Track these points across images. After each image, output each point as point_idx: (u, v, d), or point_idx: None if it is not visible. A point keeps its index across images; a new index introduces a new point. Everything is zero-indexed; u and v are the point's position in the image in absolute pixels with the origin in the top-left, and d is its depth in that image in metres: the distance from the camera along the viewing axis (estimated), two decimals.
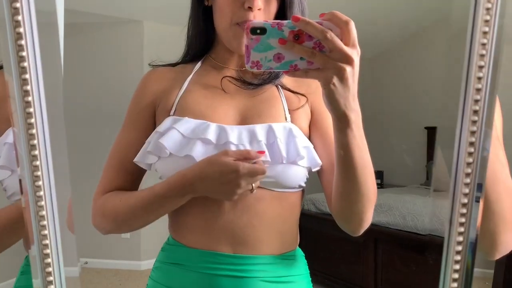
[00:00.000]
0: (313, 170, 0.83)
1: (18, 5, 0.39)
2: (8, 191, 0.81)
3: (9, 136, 0.77)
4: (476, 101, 0.53)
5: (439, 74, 4.38)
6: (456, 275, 0.56)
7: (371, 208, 0.76)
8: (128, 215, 0.80)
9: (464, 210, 0.53)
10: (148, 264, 3.92)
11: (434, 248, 2.66)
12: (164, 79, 0.88)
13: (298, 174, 0.79)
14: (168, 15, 3.62)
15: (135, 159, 0.82)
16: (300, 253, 0.88)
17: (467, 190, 0.51)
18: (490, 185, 0.61)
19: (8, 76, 0.41)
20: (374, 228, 2.99)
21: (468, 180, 0.51)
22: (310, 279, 0.89)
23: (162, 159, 0.79)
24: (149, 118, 0.87)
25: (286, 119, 0.83)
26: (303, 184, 0.83)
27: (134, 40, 3.98)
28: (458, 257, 0.55)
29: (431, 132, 4.40)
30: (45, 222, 0.45)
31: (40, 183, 0.44)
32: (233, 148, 0.76)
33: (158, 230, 3.40)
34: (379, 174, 4.69)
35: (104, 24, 3.91)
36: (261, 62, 0.60)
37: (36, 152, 0.43)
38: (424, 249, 2.74)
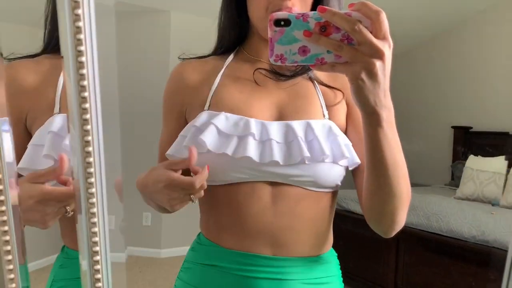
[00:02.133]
0: (350, 168, 0.80)
1: None
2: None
3: (53, 125, 0.74)
4: None
5: (468, 73, 4.28)
6: None
7: (403, 209, 0.72)
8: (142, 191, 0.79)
9: None
10: (168, 252, 3.96)
11: (460, 251, 2.61)
12: (195, 73, 0.86)
13: (337, 173, 0.77)
14: (196, 5, 3.61)
15: (167, 153, 0.80)
16: (333, 253, 0.86)
17: None
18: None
19: (65, 58, 0.40)
20: None
21: None
22: (342, 279, 0.88)
23: (198, 154, 0.76)
24: (180, 115, 0.85)
25: (324, 116, 0.80)
26: (340, 183, 0.80)
27: (161, 30, 3.98)
28: None
29: (458, 131, 4.31)
30: (94, 209, 0.44)
31: (92, 170, 0.44)
32: (275, 145, 0.74)
33: (179, 219, 3.42)
34: None
35: (130, 13, 3.92)
36: (285, 55, 0.57)
37: (89, 138, 0.42)
38: (448, 252, 2.69)
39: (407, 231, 2.94)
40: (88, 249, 0.47)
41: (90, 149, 0.41)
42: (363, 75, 0.56)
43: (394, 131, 0.66)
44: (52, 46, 0.83)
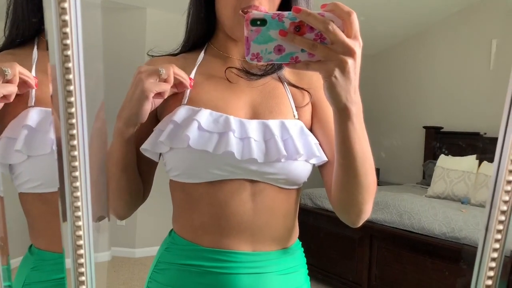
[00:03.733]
0: (317, 165, 0.83)
1: None
2: (20, 178, 0.76)
3: (27, 119, 0.73)
4: None
5: (440, 74, 4.39)
6: (489, 282, 0.56)
7: (370, 199, 0.76)
8: (109, 180, 0.80)
9: (502, 218, 0.52)
10: (142, 252, 3.91)
11: (430, 248, 2.68)
12: None
13: (307, 171, 0.80)
14: (172, 2, 3.57)
15: (142, 147, 0.79)
16: (299, 243, 0.90)
17: (507, 198, 0.50)
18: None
19: (50, 50, 0.39)
20: (370, 225, 3.01)
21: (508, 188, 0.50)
22: (306, 266, 0.91)
23: (175, 150, 0.76)
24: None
25: (294, 116, 0.82)
26: (306, 180, 0.83)
27: (137, 27, 3.93)
28: (493, 264, 0.54)
29: (429, 131, 4.41)
30: (79, 203, 0.44)
31: (76, 164, 0.43)
32: (253, 143, 0.75)
33: (154, 219, 3.39)
34: (376, 172, 4.70)
35: (106, 9, 3.84)
36: (261, 54, 0.59)
37: (74, 131, 0.42)
38: (419, 248, 2.76)
39: (380, 229, 3.00)
40: (73, 249, 0.47)
41: (76, 153, 0.40)
42: (336, 73, 0.58)
43: (362, 125, 0.69)
44: (13, 40, 0.79)
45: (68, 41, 0.38)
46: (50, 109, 0.74)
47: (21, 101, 0.75)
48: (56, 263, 0.74)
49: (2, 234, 0.44)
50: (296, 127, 0.79)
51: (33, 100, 0.76)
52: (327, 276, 3.27)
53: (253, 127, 0.77)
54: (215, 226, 0.77)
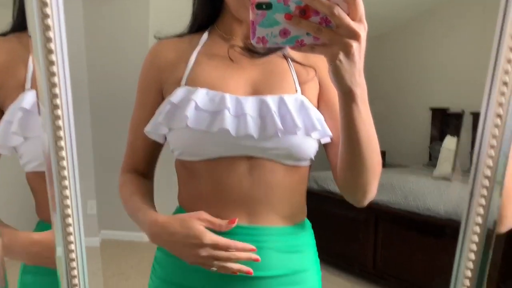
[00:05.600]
0: (323, 142, 0.84)
1: None
2: (23, 158, 0.81)
3: (23, 102, 0.76)
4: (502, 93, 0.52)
5: (446, 54, 4.34)
6: (472, 256, 0.57)
7: (375, 180, 0.78)
8: (126, 210, 0.86)
9: (484, 192, 0.52)
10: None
11: (435, 228, 2.69)
12: (171, 51, 0.87)
13: (310, 146, 0.80)
14: None
15: (146, 129, 0.82)
16: (307, 224, 0.90)
17: (489, 173, 0.51)
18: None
19: (32, 32, 0.40)
20: (375, 207, 3.02)
21: (490, 163, 0.50)
22: (316, 249, 0.91)
23: (175, 131, 0.79)
24: (157, 92, 0.86)
25: (296, 91, 0.83)
26: (313, 157, 0.84)
27: (140, 10, 3.91)
28: (476, 238, 0.55)
29: (436, 112, 4.38)
30: (67, 192, 0.45)
31: (63, 143, 0.44)
32: (249, 119, 0.76)
33: (162, 202, 3.44)
34: (381, 154, 4.69)
35: None
36: (267, 37, 0.59)
37: (59, 112, 0.43)
38: (424, 229, 2.77)
39: (385, 210, 3.01)
40: (63, 236, 0.48)
41: (62, 133, 0.41)
42: (341, 56, 0.59)
43: (367, 108, 0.69)
44: (21, 24, 0.83)
45: (50, 22, 0.39)
46: None
47: (20, 85, 0.79)
48: None
49: None
50: (296, 101, 0.80)
51: (29, 83, 0.79)
52: (333, 258, 3.30)
53: (250, 103, 0.78)
54: (213, 199, 0.80)
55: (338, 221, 3.28)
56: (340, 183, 0.81)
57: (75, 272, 0.47)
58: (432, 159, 4.15)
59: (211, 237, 0.71)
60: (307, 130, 0.78)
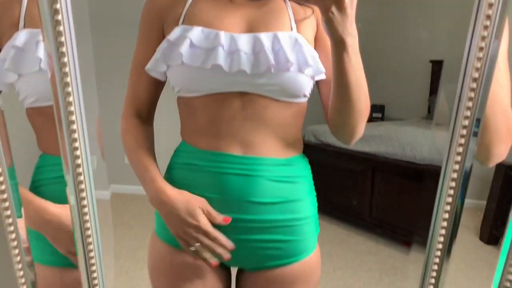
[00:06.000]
0: (316, 78, 0.87)
1: None
2: (20, 95, 0.85)
3: (16, 40, 0.79)
4: (483, 37, 0.54)
5: (447, 7, 4.24)
6: (449, 199, 0.61)
7: (362, 122, 0.84)
8: (128, 158, 0.91)
9: (462, 141, 0.56)
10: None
11: (431, 176, 2.75)
12: None
13: (303, 83, 0.84)
14: None
15: (146, 67, 0.86)
16: (303, 158, 0.95)
17: (466, 123, 0.55)
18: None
19: None
20: (372, 158, 3.08)
21: (468, 114, 0.54)
22: (313, 182, 0.96)
23: (173, 68, 0.83)
24: (158, 31, 0.89)
25: (291, 29, 0.85)
26: (308, 94, 0.87)
27: None
28: (453, 184, 0.60)
29: (436, 65, 4.34)
30: (76, 135, 0.49)
31: (69, 80, 0.47)
32: (243, 56, 0.79)
33: (162, 157, 3.48)
34: (380, 108, 4.70)
35: None
36: None
37: (64, 50, 0.46)
38: (420, 178, 2.83)
39: (382, 161, 3.06)
40: (75, 185, 0.53)
41: (68, 79, 0.44)
42: (333, 9, 0.64)
43: (357, 55, 0.75)
44: None
45: None
46: (37, 30, 0.81)
47: (14, 24, 0.83)
48: (55, 164, 0.82)
49: (5, 142, 0.51)
50: (291, 38, 0.82)
51: (23, 22, 0.82)
52: (331, 208, 3.40)
53: (244, 40, 0.81)
54: (209, 132, 0.85)
55: (336, 172, 3.35)
56: (330, 124, 0.87)
57: (87, 220, 0.52)
58: (431, 112, 4.16)
59: (206, 225, 0.80)
60: (300, 67, 0.81)
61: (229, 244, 0.83)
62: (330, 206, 3.39)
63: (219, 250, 0.82)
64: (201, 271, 0.91)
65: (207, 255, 0.82)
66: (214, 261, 0.83)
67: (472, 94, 0.54)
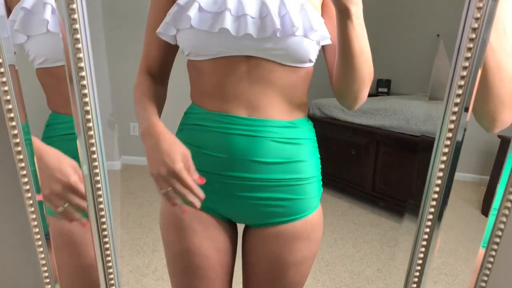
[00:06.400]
0: (321, 44, 0.89)
1: None
2: (29, 56, 0.87)
3: (25, 2, 0.81)
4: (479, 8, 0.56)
5: None
6: (442, 166, 0.64)
7: (365, 89, 0.87)
8: (135, 108, 0.92)
9: (453, 117, 0.59)
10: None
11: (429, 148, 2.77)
12: None
13: (309, 48, 0.86)
14: None
15: (157, 31, 0.88)
16: (308, 121, 0.98)
17: (458, 100, 0.57)
18: (494, 73, 0.71)
19: None
20: (377, 131, 3.09)
21: (460, 92, 0.56)
22: (317, 144, 1.00)
23: (182, 31, 0.86)
24: None
25: None
26: (313, 59, 0.89)
27: None
28: (445, 156, 0.63)
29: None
30: (87, 99, 0.51)
31: (79, 45, 0.50)
32: (250, 20, 0.81)
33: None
34: (386, 83, 4.67)
35: None
36: None
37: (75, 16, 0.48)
38: (423, 151, 2.85)
39: (386, 134, 3.07)
40: (88, 156, 0.56)
41: (78, 36, 0.47)
42: None
43: (361, 25, 0.77)
44: None
45: None
46: None
47: None
48: (65, 122, 0.87)
49: (19, 99, 0.55)
50: (296, 3, 0.84)
51: None
52: (334, 181, 3.43)
53: (251, 4, 0.83)
54: (216, 94, 0.89)
55: (340, 146, 3.37)
56: (334, 90, 0.90)
57: (99, 187, 0.55)
58: None
59: (181, 169, 0.80)
60: (306, 31, 0.83)
61: (201, 194, 0.84)
62: (333, 178, 3.43)
63: (190, 197, 0.83)
64: (209, 226, 0.96)
65: (178, 200, 0.83)
66: (185, 207, 0.85)
67: (464, 73, 0.56)
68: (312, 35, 0.84)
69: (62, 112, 0.93)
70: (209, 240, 0.97)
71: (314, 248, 0.99)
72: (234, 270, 1.07)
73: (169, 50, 0.96)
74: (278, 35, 0.81)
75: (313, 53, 0.87)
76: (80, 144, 0.52)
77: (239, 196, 0.91)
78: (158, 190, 0.84)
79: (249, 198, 0.92)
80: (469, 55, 0.53)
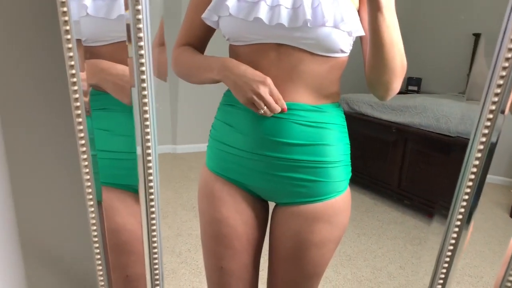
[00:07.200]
0: (354, 35, 0.91)
1: None
2: (82, 35, 0.91)
3: None
4: None
5: None
6: (474, 169, 0.65)
7: (397, 80, 0.89)
8: (187, 70, 1.01)
9: (490, 116, 0.60)
10: (183, 148, 4.18)
11: (460, 149, 2.73)
12: None
13: (339, 38, 0.87)
14: None
15: (202, 16, 0.94)
16: (337, 107, 1.00)
17: (496, 99, 0.58)
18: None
19: None
20: (405, 129, 3.07)
21: (498, 91, 0.57)
22: (347, 130, 1.03)
23: (222, 18, 0.91)
24: None
25: None
26: (346, 50, 0.91)
27: None
28: (479, 155, 0.64)
29: (479, 39, 4.19)
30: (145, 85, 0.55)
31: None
32: (283, 10, 0.85)
33: (194, 118, 3.55)
34: (417, 81, 4.61)
35: None
36: None
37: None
38: (450, 151, 2.82)
39: (415, 132, 3.05)
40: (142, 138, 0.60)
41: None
42: None
43: (392, 16, 0.80)
44: None
45: None
46: None
47: None
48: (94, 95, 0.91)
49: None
50: None
51: None
52: (359, 177, 3.44)
53: None
54: None
55: (367, 142, 3.36)
56: (367, 80, 0.92)
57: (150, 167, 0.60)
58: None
59: (271, 81, 0.87)
60: (336, 22, 0.85)
61: (285, 107, 0.91)
62: (359, 175, 3.43)
63: (280, 103, 0.90)
64: (238, 199, 1.02)
65: (271, 112, 0.90)
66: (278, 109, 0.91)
67: (505, 68, 0.57)
68: (342, 26, 0.85)
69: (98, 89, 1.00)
70: (237, 212, 1.02)
71: (337, 232, 1.02)
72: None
73: (209, 32, 1.03)
74: (308, 25, 0.84)
75: (344, 44, 0.89)
76: (136, 125, 0.57)
77: (267, 173, 0.96)
78: (255, 110, 0.90)
79: (276, 176, 0.96)
80: (509, 55, 0.55)
